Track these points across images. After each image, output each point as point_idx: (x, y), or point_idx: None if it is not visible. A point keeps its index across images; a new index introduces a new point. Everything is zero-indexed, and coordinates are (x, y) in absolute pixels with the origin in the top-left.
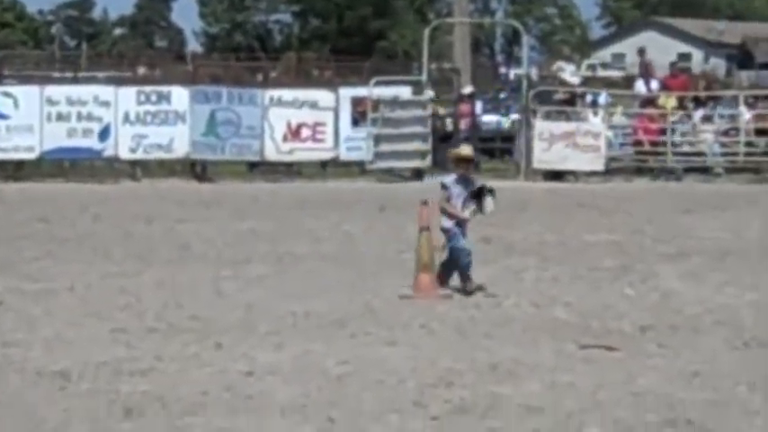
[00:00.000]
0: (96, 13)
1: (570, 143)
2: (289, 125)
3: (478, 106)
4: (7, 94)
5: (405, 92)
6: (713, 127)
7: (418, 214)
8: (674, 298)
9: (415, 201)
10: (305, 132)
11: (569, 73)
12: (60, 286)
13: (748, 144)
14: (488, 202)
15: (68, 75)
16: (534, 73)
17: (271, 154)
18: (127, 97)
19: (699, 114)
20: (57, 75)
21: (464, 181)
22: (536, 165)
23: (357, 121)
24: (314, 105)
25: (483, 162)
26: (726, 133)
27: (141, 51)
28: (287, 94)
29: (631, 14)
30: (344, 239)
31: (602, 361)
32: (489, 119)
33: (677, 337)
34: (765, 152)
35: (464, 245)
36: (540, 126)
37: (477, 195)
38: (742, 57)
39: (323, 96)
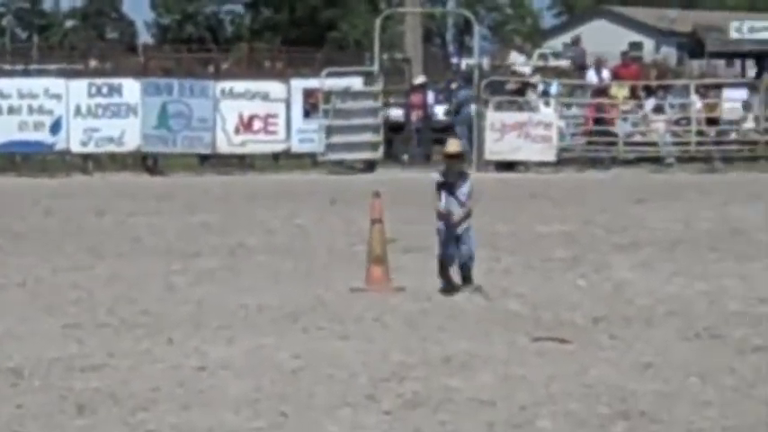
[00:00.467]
0: (47, 5)
1: (522, 133)
2: (240, 117)
3: (430, 96)
4: None
5: (356, 83)
6: (664, 117)
7: (370, 206)
8: (627, 289)
9: (368, 193)
10: (257, 124)
11: (521, 63)
12: (11, 281)
13: (699, 133)
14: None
15: (19, 67)
16: (486, 63)
17: (222, 146)
18: (78, 90)
19: (650, 104)
20: (7, 67)
21: (449, 178)
22: (488, 155)
23: (309, 112)
24: (265, 97)
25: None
26: (677, 123)
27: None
28: (238, 85)
29: (583, 3)
30: (296, 232)
31: (555, 353)
32: (441, 109)
33: (629, 329)
34: (716, 141)
35: (443, 251)
36: (492, 116)
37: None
38: (693, 45)
39: (274, 88)
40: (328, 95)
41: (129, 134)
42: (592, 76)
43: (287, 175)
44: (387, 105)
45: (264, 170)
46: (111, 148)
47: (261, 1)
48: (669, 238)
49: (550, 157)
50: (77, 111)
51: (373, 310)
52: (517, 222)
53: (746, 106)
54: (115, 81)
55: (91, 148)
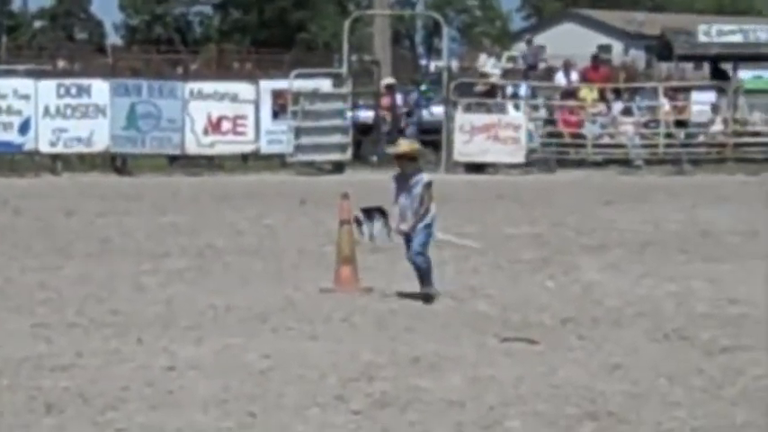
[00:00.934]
0: (15, 5)
1: (491, 135)
2: (209, 118)
3: (399, 98)
4: None
5: (325, 84)
6: (633, 119)
7: (339, 207)
8: (595, 290)
9: (336, 194)
10: (225, 125)
11: (490, 65)
12: None
13: (668, 136)
14: (377, 227)
15: None
16: (455, 65)
17: (191, 147)
18: (47, 90)
19: (619, 106)
20: None
21: (401, 179)
22: (457, 157)
23: (277, 113)
24: (234, 98)
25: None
26: (646, 125)
27: (61, 43)
28: (207, 86)
29: (552, 6)
30: (265, 233)
31: (523, 354)
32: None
33: (598, 330)
34: (684, 144)
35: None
36: (461, 118)
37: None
38: (661, 48)
39: (243, 89)
40: (297, 97)
41: (98, 135)
42: (560, 79)
43: (256, 175)
44: (355, 107)
45: (233, 171)
46: (80, 148)
47: (230, 2)
48: (638, 240)
49: (519, 158)
50: (46, 111)
51: (342, 310)
52: (486, 224)
53: (715, 109)
54: (84, 82)
55: (60, 149)
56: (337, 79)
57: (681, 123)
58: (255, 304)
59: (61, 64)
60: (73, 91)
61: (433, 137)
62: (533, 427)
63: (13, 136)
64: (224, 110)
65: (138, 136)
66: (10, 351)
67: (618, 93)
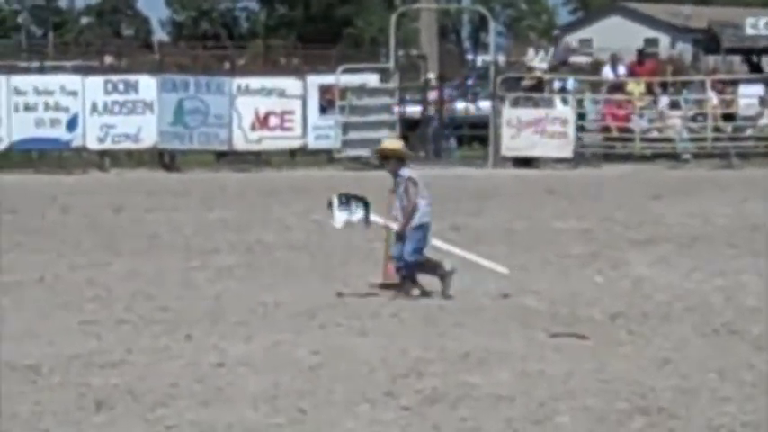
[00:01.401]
0: (63, 2)
1: (538, 130)
2: (257, 114)
3: (446, 93)
4: None
5: (372, 79)
6: (681, 113)
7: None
8: (644, 285)
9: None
10: (273, 121)
11: (538, 59)
12: (29, 278)
13: (716, 129)
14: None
15: (35, 64)
16: (501, 59)
17: (239, 143)
18: (94, 87)
19: (665, 100)
20: (23, 64)
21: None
22: (504, 152)
23: (325, 109)
24: (282, 93)
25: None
26: (693, 119)
27: (108, 40)
28: (254, 82)
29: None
30: (313, 228)
31: (573, 349)
32: (458, 106)
33: (647, 325)
34: (732, 137)
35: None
36: (508, 113)
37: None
38: (708, 41)
39: (290, 84)
40: (344, 92)
41: (146, 131)
42: (608, 73)
43: (303, 171)
44: (402, 102)
45: (281, 167)
46: (128, 144)
47: None
48: (687, 234)
49: (567, 153)
50: (93, 107)
51: (390, 306)
52: (534, 219)
53: (763, 102)
54: (131, 78)
55: (107, 145)
56: (384, 74)
57: (728, 117)
58: (304, 300)
59: (108, 60)
60: (120, 87)
61: (480, 131)
62: (583, 423)
63: (60, 133)
64: (271, 105)
65: (185, 132)
66: (59, 348)
67: (665, 86)
